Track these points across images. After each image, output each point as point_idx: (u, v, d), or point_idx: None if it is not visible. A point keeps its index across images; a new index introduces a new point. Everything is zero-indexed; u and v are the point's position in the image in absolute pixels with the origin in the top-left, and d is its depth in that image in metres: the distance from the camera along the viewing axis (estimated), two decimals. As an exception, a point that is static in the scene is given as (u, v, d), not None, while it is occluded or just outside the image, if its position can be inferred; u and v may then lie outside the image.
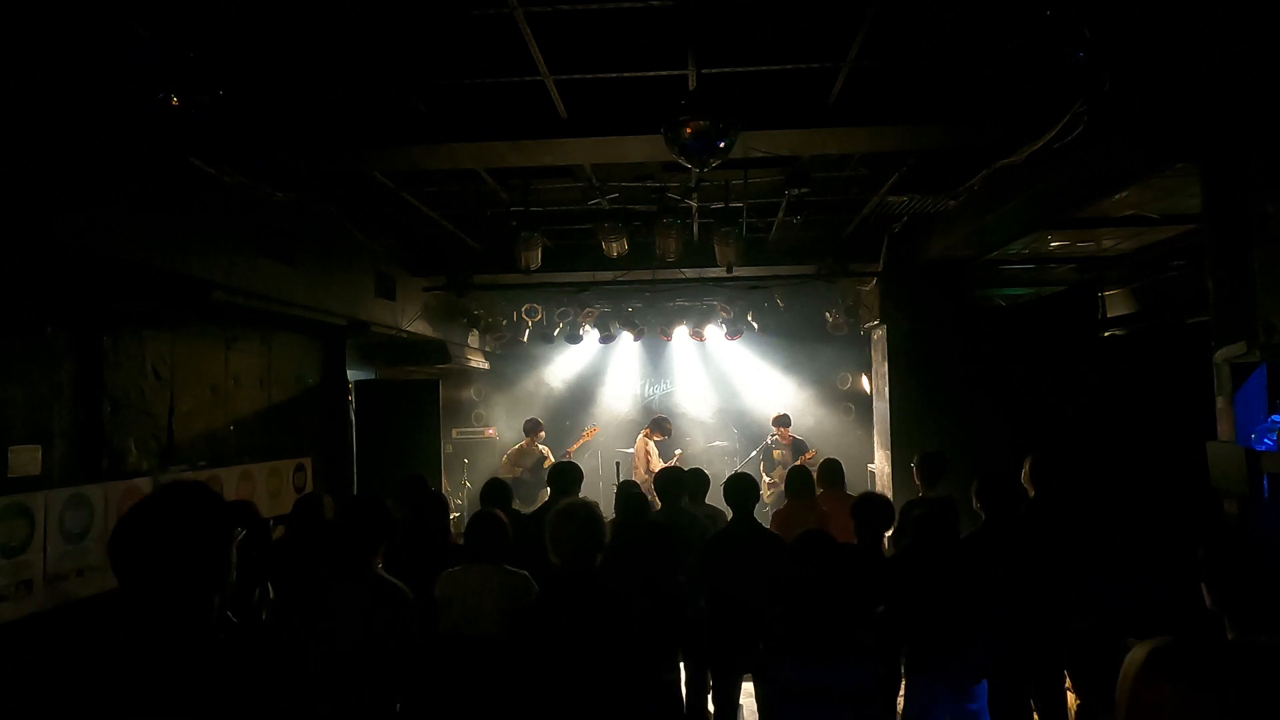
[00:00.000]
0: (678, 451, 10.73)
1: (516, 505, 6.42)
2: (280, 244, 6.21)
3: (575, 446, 10.14)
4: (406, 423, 8.33)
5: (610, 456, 11.21)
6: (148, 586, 1.57)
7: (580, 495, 4.96)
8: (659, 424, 10.45)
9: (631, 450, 10.71)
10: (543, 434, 9.77)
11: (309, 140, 4.76)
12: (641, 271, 7.79)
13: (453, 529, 5.70)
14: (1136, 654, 1.41)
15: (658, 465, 9.77)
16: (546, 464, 9.64)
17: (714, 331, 11.42)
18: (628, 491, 5.43)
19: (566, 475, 5.49)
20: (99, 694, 1.45)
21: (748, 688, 4.68)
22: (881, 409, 8.54)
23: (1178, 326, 6.29)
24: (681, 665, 4.33)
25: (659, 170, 5.87)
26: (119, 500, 5.16)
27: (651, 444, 10.25)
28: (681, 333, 11.63)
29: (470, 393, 12.19)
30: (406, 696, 3.11)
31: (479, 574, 3.80)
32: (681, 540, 4.33)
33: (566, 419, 11.10)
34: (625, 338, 11.53)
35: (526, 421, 10.05)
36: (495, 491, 5.27)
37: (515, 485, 8.58)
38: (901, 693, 3.84)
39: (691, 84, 4.18)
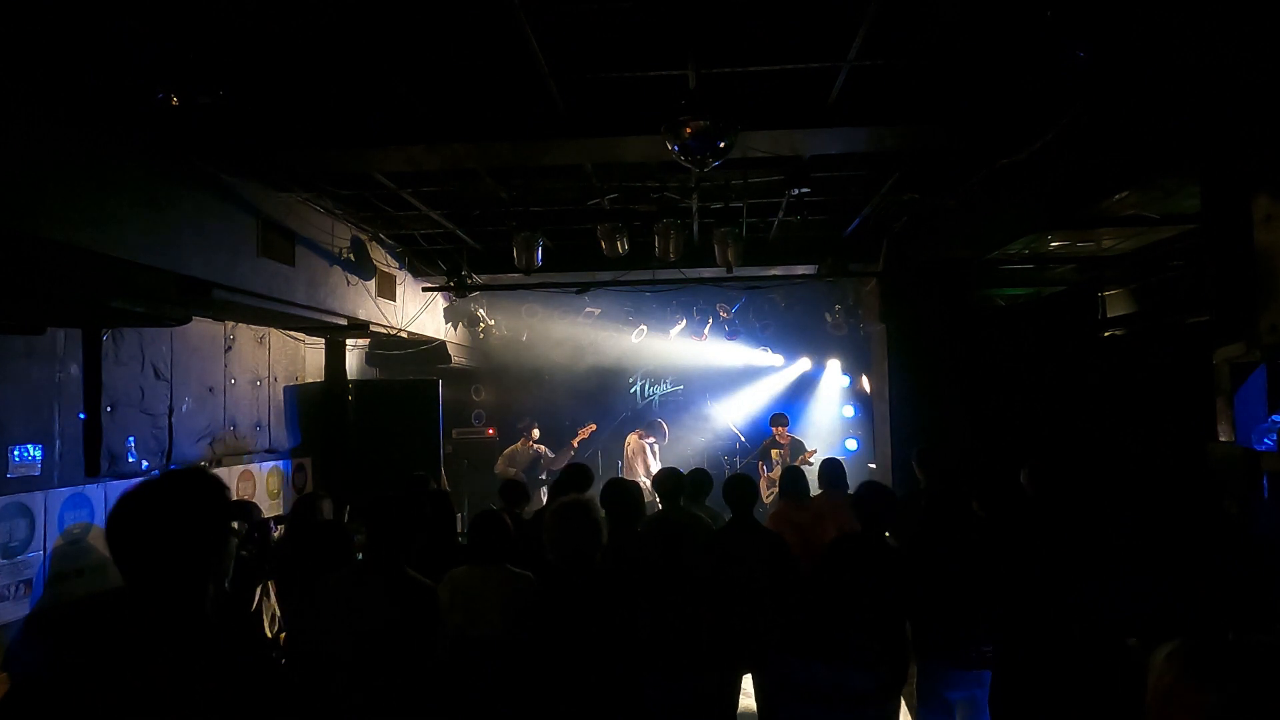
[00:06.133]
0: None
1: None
2: (280, 244, 6.21)
3: (574, 444, 10.11)
4: (406, 423, 8.33)
5: (611, 457, 11.19)
6: (142, 564, 1.57)
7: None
8: (652, 426, 10.43)
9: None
10: (536, 433, 9.76)
11: (309, 140, 4.76)
12: (641, 271, 7.79)
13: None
14: (1170, 654, 1.36)
15: (655, 466, 9.75)
16: (543, 464, 9.64)
17: (714, 331, 11.41)
18: (619, 489, 5.30)
19: (578, 478, 5.49)
20: (96, 692, 1.45)
21: (748, 687, 4.66)
22: (881, 409, 8.54)
23: (1178, 326, 6.27)
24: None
25: (659, 170, 5.87)
26: (119, 500, 5.16)
27: (649, 445, 10.24)
28: (681, 332, 11.63)
29: (470, 393, 12.17)
30: (416, 696, 3.10)
31: (482, 574, 3.78)
32: (681, 539, 4.31)
33: (567, 419, 11.08)
34: (627, 337, 11.55)
35: (520, 423, 10.07)
36: (512, 491, 5.42)
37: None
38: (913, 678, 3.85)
39: (691, 84, 4.18)
